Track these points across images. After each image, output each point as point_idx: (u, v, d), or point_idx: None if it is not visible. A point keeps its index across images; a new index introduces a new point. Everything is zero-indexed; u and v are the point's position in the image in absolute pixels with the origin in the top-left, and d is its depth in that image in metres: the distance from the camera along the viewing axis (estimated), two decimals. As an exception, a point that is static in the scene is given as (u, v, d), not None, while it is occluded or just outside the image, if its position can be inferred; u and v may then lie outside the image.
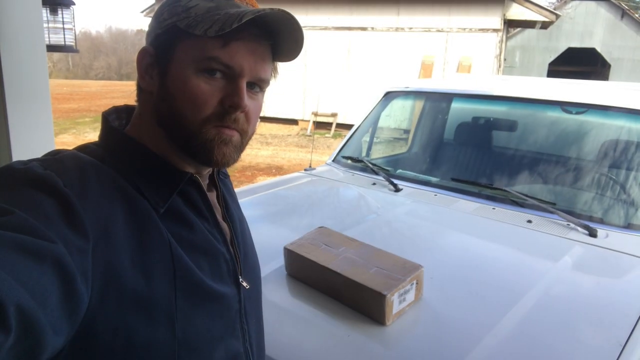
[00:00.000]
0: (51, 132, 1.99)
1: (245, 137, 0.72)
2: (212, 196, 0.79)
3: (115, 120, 0.75)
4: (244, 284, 0.77)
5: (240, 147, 0.72)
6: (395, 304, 1.14)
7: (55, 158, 0.61)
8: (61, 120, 12.70)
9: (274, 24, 0.67)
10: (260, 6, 0.68)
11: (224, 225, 0.78)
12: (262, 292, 0.89)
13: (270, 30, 0.68)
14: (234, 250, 0.78)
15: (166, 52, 0.67)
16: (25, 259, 0.46)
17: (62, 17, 2.28)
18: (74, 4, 2.46)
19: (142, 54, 0.70)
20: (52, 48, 2.28)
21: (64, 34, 2.31)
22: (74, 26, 2.40)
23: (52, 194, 0.54)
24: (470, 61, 10.58)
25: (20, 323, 0.43)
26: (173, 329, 0.63)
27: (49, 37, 2.29)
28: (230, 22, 0.61)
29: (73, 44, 2.35)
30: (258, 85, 0.71)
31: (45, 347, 0.47)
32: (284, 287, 1.31)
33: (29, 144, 1.89)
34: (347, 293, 1.21)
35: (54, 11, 2.27)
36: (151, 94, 0.69)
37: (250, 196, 1.94)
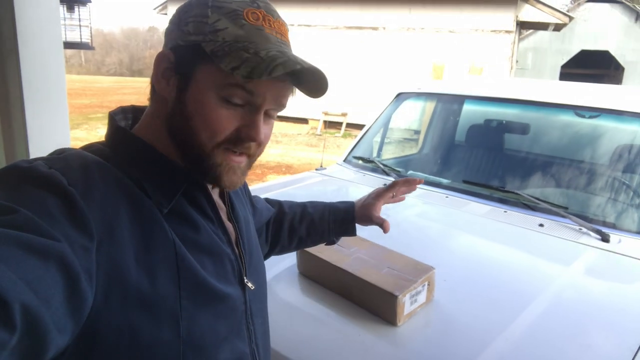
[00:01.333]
0: (67, 127, 2.02)
1: (253, 158, 0.73)
2: (217, 196, 0.79)
3: (121, 120, 0.75)
4: (249, 284, 0.77)
5: (247, 170, 0.74)
6: (407, 304, 1.15)
7: (60, 157, 0.61)
8: (74, 116, 12.81)
9: (303, 75, 0.68)
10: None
11: (229, 226, 0.78)
12: (267, 292, 0.89)
13: (297, 75, 0.68)
14: (239, 250, 0.78)
15: (187, 68, 0.66)
16: (30, 258, 0.46)
17: (79, 15, 2.31)
18: (90, 1, 2.49)
19: (161, 57, 0.69)
20: (68, 45, 2.32)
21: (80, 31, 2.34)
22: (90, 23, 2.43)
23: (57, 193, 0.54)
24: (482, 62, 10.52)
25: (25, 321, 0.43)
26: (178, 329, 0.63)
27: (65, 34, 2.31)
28: (259, 72, 0.61)
29: (89, 41, 2.38)
30: (275, 110, 0.71)
31: (49, 345, 0.47)
32: (295, 285, 1.32)
33: (46, 139, 1.92)
34: (358, 293, 1.21)
35: (70, 9, 2.30)
36: (165, 100, 0.69)
37: (262, 195, 1.94)
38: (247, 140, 0.68)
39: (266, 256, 1.08)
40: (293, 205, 1.13)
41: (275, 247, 1.10)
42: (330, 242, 1.15)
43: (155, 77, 0.70)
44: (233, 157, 0.69)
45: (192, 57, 0.66)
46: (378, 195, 1.10)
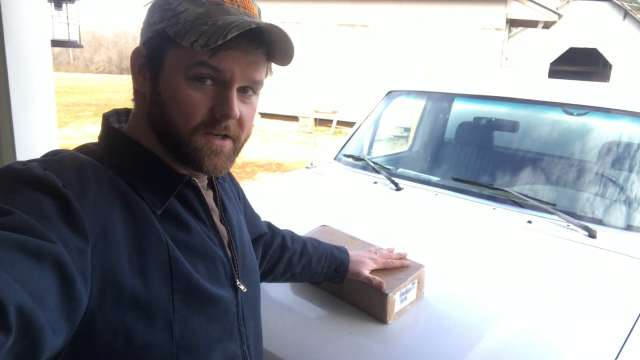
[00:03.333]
0: (54, 125, 2.00)
1: (238, 143, 0.72)
2: (210, 198, 0.79)
3: (115, 122, 0.75)
4: (242, 287, 0.77)
5: (233, 155, 0.72)
6: (397, 302, 1.15)
7: (55, 159, 0.62)
8: (62, 114, 12.65)
9: (263, 35, 0.67)
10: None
11: (222, 228, 0.79)
12: (260, 294, 0.90)
13: (260, 40, 0.67)
14: (232, 253, 0.78)
15: (157, 57, 0.67)
16: (25, 259, 0.46)
17: (67, 13, 2.29)
18: (78, -2, 2.46)
19: (135, 54, 0.70)
20: (56, 43, 2.30)
21: (69, 29, 2.32)
22: (79, 21, 2.41)
23: (52, 195, 0.54)
24: (471, 60, 10.57)
25: (20, 323, 0.43)
26: (171, 331, 0.63)
27: (53, 32, 2.29)
28: (215, 38, 0.61)
29: (77, 39, 2.36)
30: (251, 88, 0.70)
31: (45, 347, 0.47)
32: (286, 285, 1.32)
33: (33, 137, 1.91)
34: (348, 292, 1.22)
35: (58, 6, 2.28)
36: (144, 95, 0.70)
37: (252, 193, 1.94)
38: (222, 119, 0.67)
39: None
40: (295, 240, 1.15)
41: (267, 276, 1.12)
42: (316, 283, 1.22)
43: (133, 76, 0.71)
44: (215, 140, 0.68)
45: (160, 45, 0.67)
46: (372, 260, 1.20)
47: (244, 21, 0.62)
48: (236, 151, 0.72)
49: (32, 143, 1.91)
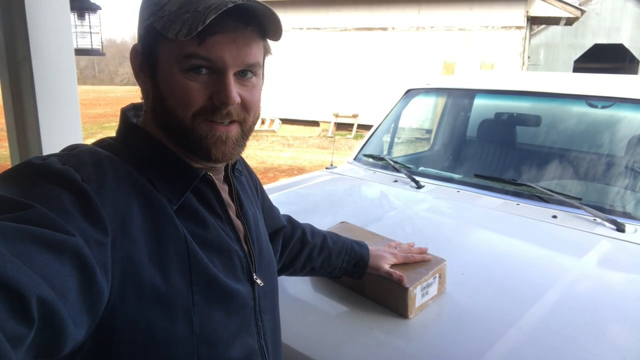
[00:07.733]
0: (79, 130, 2.05)
1: (245, 125, 0.71)
2: (225, 193, 0.79)
3: (133, 117, 0.76)
4: (258, 281, 0.77)
5: (242, 139, 0.71)
6: (418, 297, 1.14)
7: (73, 153, 0.62)
8: (88, 125, 12.99)
9: (250, 12, 0.65)
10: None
11: (238, 223, 0.78)
12: (278, 288, 0.89)
13: (248, 17, 0.65)
14: (248, 247, 0.78)
15: (151, 53, 0.67)
16: (45, 252, 0.46)
17: (89, 22, 2.35)
18: (100, 8, 2.53)
19: (133, 53, 0.70)
20: (80, 52, 2.36)
21: (91, 38, 2.38)
22: (101, 30, 2.47)
23: (71, 189, 0.55)
24: (493, 59, 10.43)
25: (42, 315, 0.44)
26: (191, 325, 0.63)
27: (76, 41, 2.36)
28: (195, 25, 0.60)
29: (100, 47, 2.41)
30: (249, 71, 0.69)
31: (66, 339, 0.47)
32: (306, 280, 1.32)
33: (59, 143, 1.95)
34: (369, 286, 1.21)
35: (81, 16, 2.34)
36: (147, 93, 0.70)
37: (273, 194, 1.95)
38: (222, 107, 0.66)
39: None
40: (315, 234, 1.15)
41: (287, 270, 1.12)
42: (335, 277, 1.21)
43: (135, 75, 0.71)
44: (219, 127, 0.68)
45: (152, 41, 0.66)
46: (392, 255, 1.20)
47: (222, 2, 0.60)
48: (245, 135, 0.72)
49: (58, 148, 1.96)
